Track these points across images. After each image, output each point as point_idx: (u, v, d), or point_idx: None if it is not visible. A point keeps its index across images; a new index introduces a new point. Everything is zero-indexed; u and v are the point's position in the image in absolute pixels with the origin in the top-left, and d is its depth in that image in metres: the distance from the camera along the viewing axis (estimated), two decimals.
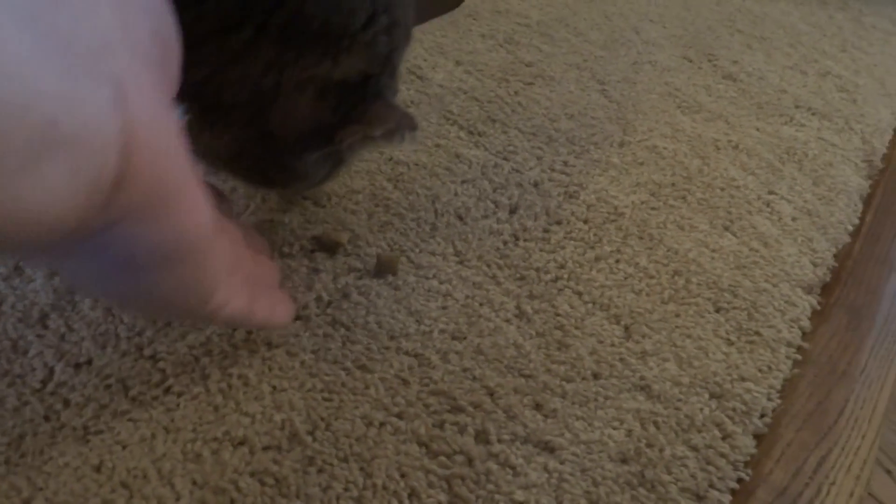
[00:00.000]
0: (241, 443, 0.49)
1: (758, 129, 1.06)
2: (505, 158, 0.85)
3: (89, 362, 0.52)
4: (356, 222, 0.70)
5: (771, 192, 0.91)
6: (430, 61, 1.01)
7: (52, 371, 0.51)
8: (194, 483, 0.46)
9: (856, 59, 1.41)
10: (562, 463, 0.52)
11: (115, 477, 0.46)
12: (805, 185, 0.95)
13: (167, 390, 0.51)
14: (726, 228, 0.82)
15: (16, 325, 0.53)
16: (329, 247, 0.66)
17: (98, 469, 0.46)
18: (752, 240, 0.81)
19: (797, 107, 1.16)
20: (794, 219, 0.87)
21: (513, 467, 0.51)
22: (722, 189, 0.89)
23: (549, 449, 0.53)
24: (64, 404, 0.49)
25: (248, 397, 0.52)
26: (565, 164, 0.87)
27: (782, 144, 1.03)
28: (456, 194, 0.77)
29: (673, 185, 0.88)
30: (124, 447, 0.48)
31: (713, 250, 0.78)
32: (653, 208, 0.83)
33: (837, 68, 1.34)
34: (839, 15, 1.64)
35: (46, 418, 0.48)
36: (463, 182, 0.79)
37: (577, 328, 0.64)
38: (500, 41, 1.12)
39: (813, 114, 1.15)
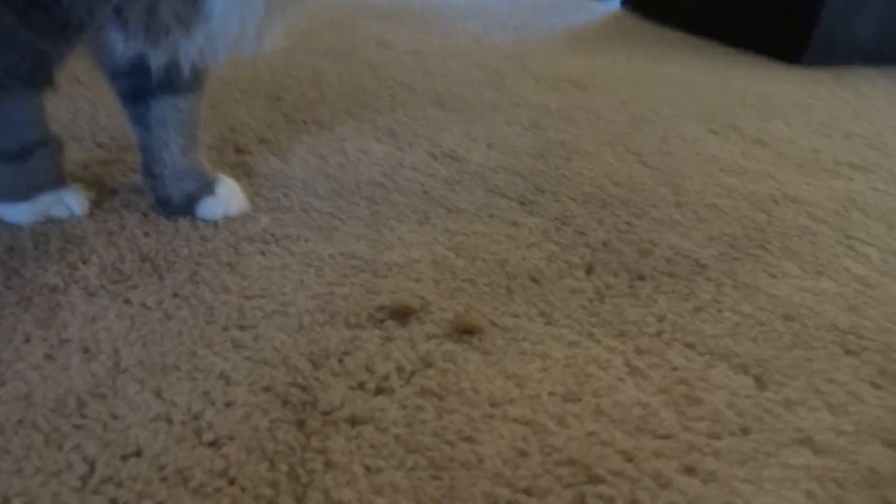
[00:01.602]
0: None
1: (808, 184, 1.01)
2: (564, 223, 0.78)
3: (139, 453, 0.41)
4: (423, 290, 0.62)
5: (848, 237, 0.85)
6: (464, 146, 0.98)
7: (93, 465, 0.40)
8: None
9: (872, 121, 1.41)
10: None
11: None
12: (880, 230, 0.88)
13: (232, 481, 0.41)
14: (819, 273, 0.74)
15: (48, 416, 0.43)
16: (401, 314, 0.57)
17: None
18: (852, 281, 0.73)
19: (837, 163, 1.12)
20: (883, 260, 0.80)
21: None
22: (799, 237, 0.83)
23: None
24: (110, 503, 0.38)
25: (337, 482, 0.41)
26: (629, 224, 0.80)
27: (839, 195, 0.98)
28: (524, 258, 0.70)
29: (747, 236, 0.81)
30: None
31: (816, 294, 0.70)
32: (735, 258, 0.75)
33: (860, 130, 1.33)
34: (840, 90, 1.67)
35: None
36: (528, 246, 0.72)
37: (702, 381, 0.54)
38: (527, 126, 1.09)
39: (855, 168, 1.11)
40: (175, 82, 0.63)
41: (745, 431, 0.50)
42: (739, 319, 0.64)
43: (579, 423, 0.48)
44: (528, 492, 0.42)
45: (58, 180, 0.65)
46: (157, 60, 0.56)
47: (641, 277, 0.69)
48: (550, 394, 0.51)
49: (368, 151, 0.90)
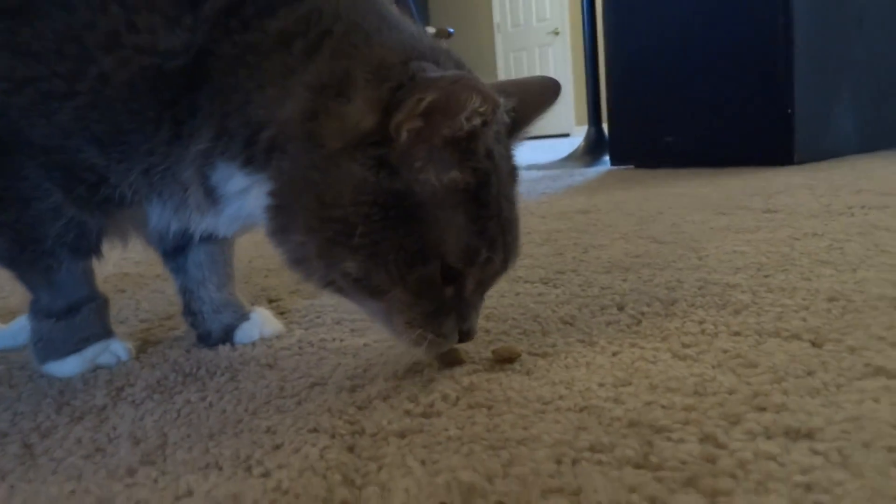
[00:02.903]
0: None
1: (826, 224, 1.02)
2: (589, 285, 0.80)
3: (190, 493, 0.40)
4: (459, 349, 0.62)
5: (877, 245, 0.84)
6: None
7: None
8: None
9: (876, 180, 1.43)
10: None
11: None
12: None
13: (286, 492, 0.39)
14: (855, 269, 0.74)
15: (100, 483, 0.42)
16: (442, 362, 0.57)
17: None
18: (893, 270, 0.72)
19: (850, 207, 1.14)
20: None
21: (772, 456, 0.37)
22: (826, 252, 0.82)
23: (809, 435, 0.39)
24: None
25: (392, 476, 0.39)
26: (652, 276, 0.81)
27: (859, 224, 0.98)
28: (554, 311, 0.70)
29: (774, 262, 0.81)
30: None
31: (857, 282, 0.69)
32: (765, 276, 0.75)
33: (866, 186, 1.35)
34: (838, 169, 1.72)
35: None
36: (558, 304, 0.73)
37: (755, 351, 0.53)
38: (539, 242, 1.14)
39: (870, 208, 1.12)
40: (189, 237, 0.70)
41: (810, 373, 0.47)
42: (782, 310, 0.62)
43: (635, 398, 0.47)
44: (592, 448, 0.40)
45: (104, 332, 0.68)
46: (175, 229, 0.65)
47: (674, 303, 0.69)
48: (600, 385, 0.49)
49: None
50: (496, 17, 7.28)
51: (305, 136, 0.51)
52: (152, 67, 0.53)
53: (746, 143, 2.09)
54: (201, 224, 0.62)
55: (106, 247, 0.67)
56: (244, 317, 0.73)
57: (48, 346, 0.65)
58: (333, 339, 0.69)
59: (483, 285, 0.54)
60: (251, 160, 0.54)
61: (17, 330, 0.78)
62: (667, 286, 0.75)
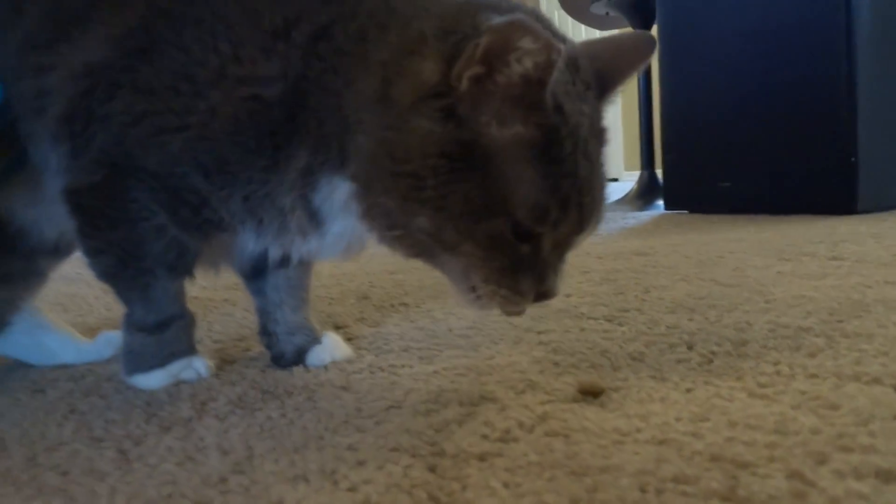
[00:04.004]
0: None
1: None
2: (655, 324, 0.80)
3: (282, 502, 0.42)
4: (529, 378, 0.63)
5: None
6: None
7: None
8: None
9: None
10: None
11: None
12: None
13: None
14: None
15: (195, 488, 0.45)
16: (513, 391, 0.58)
17: None
18: None
19: None
20: None
21: (864, 496, 0.37)
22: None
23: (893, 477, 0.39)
24: None
25: (478, 495, 0.40)
26: (720, 317, 0.81)
27: None
28: (621, 347, 0.71)
29: (846, 309, 0.80)
30: None
31: None
32: (839, 321, 0.74)
33: None
34: None
35: None
36: (625, 341, 0.73)
37: (836, 393, 0.52)
38: (598, 281, 1.14)
39: None
40: (288, 261, 0.73)
41: None
42: (859, 355, 0.62)
43: (715, 434, 0.47)
44: (676, 479, 0.40)
45: (189, 349, 0.71)
46: (274, 254, 0.68)
47: (745, 343, 0.68)
48: (677, 419, 0.50)
49: (455, 313, 0.96)
50: None
51: (380, 101, 0.53)
52: (253, 97, 0.57)
53: (807, 190, 2.06)
54: (303, 248, 0.65)
55: (199, 273, 0.70)
56: (316, 340, 0.75)
57: (137, 359, 0.68)
58: (403, 365, 0.71)
59: (561, 246, 0.54)
60: (346, 159, 0.55)
61: (103, 344, 0.82)
62: (735, 327, 0.75)
